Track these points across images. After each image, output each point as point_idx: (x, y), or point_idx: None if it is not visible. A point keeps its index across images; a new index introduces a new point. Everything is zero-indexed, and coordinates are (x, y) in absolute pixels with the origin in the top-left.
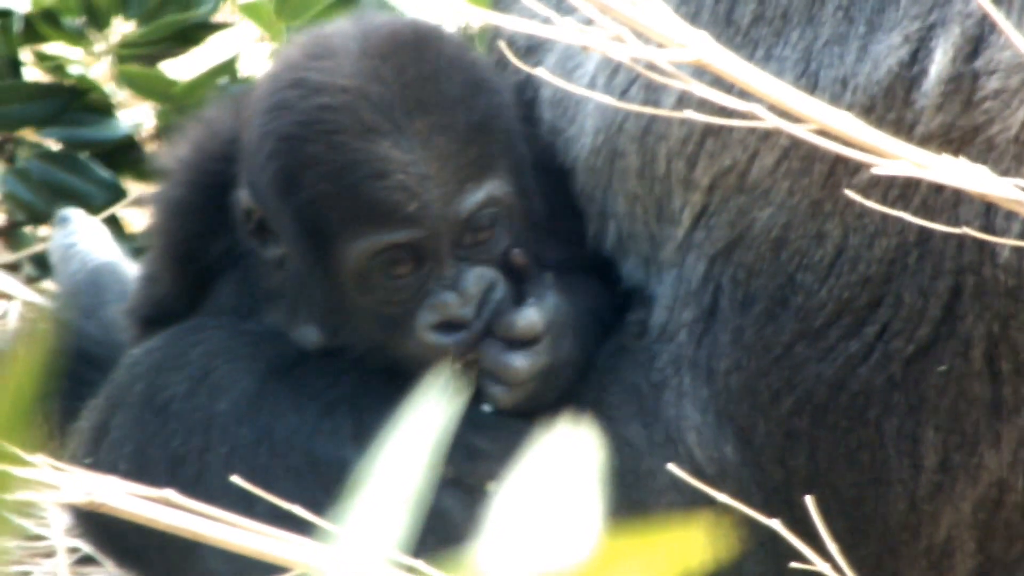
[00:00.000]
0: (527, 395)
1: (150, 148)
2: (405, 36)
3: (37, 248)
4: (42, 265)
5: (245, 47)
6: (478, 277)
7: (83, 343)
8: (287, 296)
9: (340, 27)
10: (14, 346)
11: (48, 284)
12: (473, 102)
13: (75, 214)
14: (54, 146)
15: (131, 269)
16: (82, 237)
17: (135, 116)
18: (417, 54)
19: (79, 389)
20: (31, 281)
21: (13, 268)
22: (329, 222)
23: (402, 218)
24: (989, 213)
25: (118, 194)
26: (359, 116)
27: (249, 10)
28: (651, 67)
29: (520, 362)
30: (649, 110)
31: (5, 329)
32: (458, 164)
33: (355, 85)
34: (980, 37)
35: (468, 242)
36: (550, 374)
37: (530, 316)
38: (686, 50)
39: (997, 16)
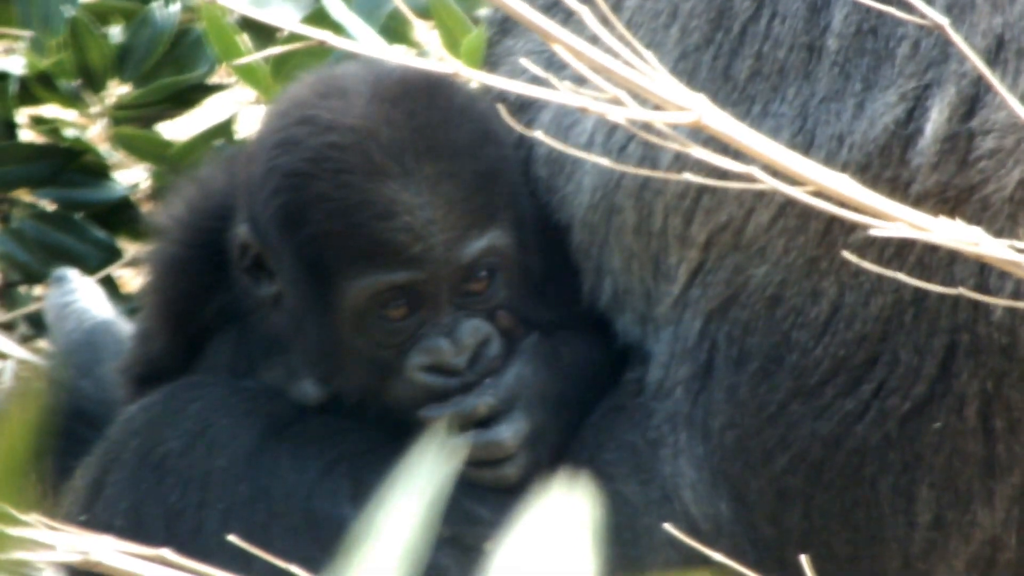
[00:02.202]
0: (517, 467)
1: (145, 209)
2: (417, 81)
3: (32, 308)
4: (37, 324)
5: (241, 109)
6: (474, 329)
7: (79, 402)
8: (283, 345)
9: (350, 69)
10: (8, 405)
11: (43, 343)
12: (481, 151)
13: (71, 274)
14: (49, 207)
15: (126, 328)
16: (78, 296)
17: (130, 177)
18: (428, 100)
19: (74, 448)
20: (26, 340)
21: (8, 327)
22: (331, 260)
23: (405, 260)
24: (984, 272)
25: (113, 255)
26: (368, 156)
27: (244, 72)
28: (649, 129)
29: (504, 434)
30: (645, 172)
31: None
32: (463, 211)
33: (365, 126)
34: (976, 97)
35: (466, 290)
36: (532, 442)
37: (501, 435)
38: (684, 113)
39: (992, 78)
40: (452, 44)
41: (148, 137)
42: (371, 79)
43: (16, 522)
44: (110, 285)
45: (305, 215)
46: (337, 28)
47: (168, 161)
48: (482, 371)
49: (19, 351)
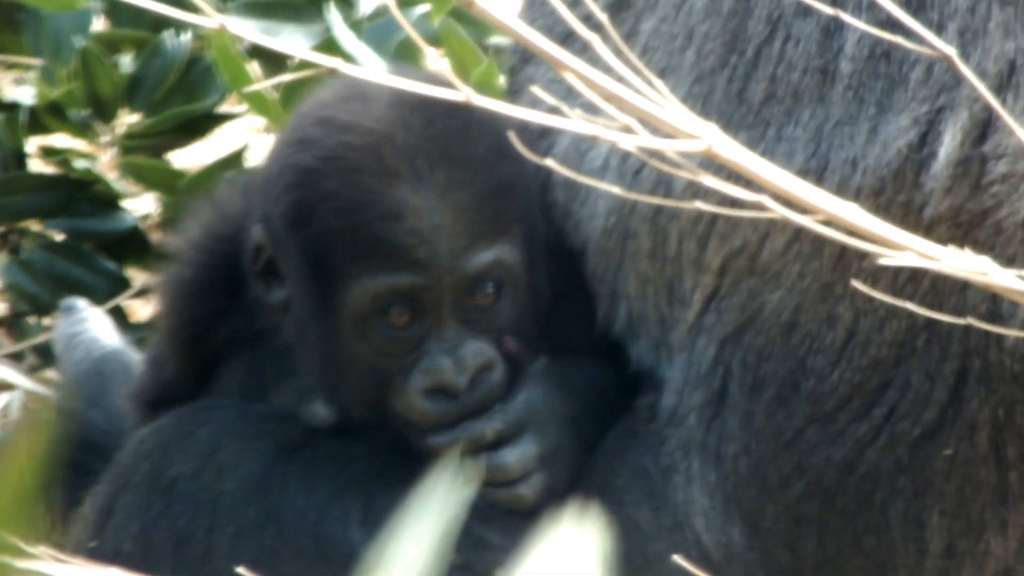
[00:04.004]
0: (532, 489)
1: (155, 239)
2: (437, 83)
3: (40, 338)
4: (45, 355)
5: (251, 138)
6: (477, 351)
7: (87, 432)
8: (294, 368)
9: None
10: (16, 436)
11: (51, 374)
12: (496, 165)
13: (79, 303)
14: (58, 237)
15: (135, 358)
16: (86, 326)
17: (140, 207)
18: (448, 109)
19: (83, 479)
20: (34, 371)
21: (16, 358)
22: (336, 258)
23: (409, 262)
24: (996, 298)
25: (122, 286)
26: (381, 158)
27: (253, 100)
28: (660, 157)
29: (509, 457)
30: (657, 200)
31: (8, 420)
32: (472, 221)
33: (381, 128)
34: (988, 121)
35: (471, 304)
36: (545, 463)
37: (505, 459)
38: (695, 141)
39: (998, 106)
40: (463, 72)
41: (158, 167)
42: (392, 87)
43: (23, 554)
44: (119, 315)
45: (313, 212)
46: (347, 58)
47: (179, 192)
48: (481, 397)
49: (27, 382)
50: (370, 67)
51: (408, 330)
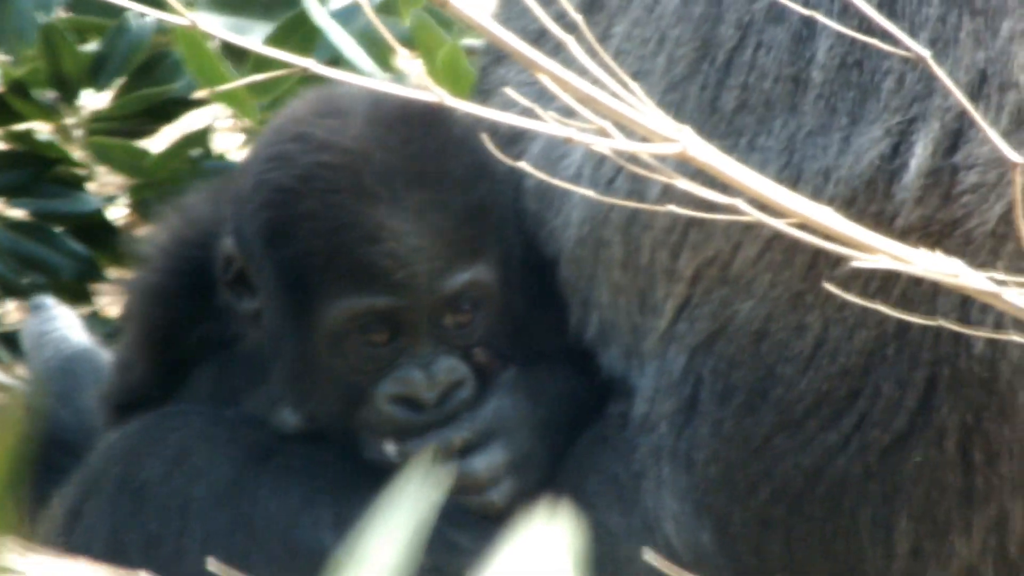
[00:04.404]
0: (501, 495)
1: (121, 224)
2: (416, 108)
3: (5, 328)
4: (13, 345)
5: (216, 121)
6: (450, 369)
7: (56, 430)
8: (264, 374)
9: (352, 90)
10: None
11: (20, 370)
12: (474, 185)
13: (48, 302)
14: (24, 218)
15: (105, 356)
16: (56, 324)
17: (106, 190)
18: (425, 128)
19: (52, 476)
20: (1, 365)
21: None
22: (313, 279)
23: (387, 285)
24: (966, 305)
25: (88, 267)
26: (359, 179)
27: (227, 97)
28: (635, 160)
29: (478, 465)
30: (632, 204)
31: None
32: (450, 242)
33: (359, 148)
34: (959, 132)
35: (447, 323)
36: (514, 470)
37: (473, 466)
38: (670, 144)
39: (972, 110)
40: (436, 72)
41: (124, 147)
42: (370, 101)
43: None
44: (85, 299)
45: (290, 232)
46: (317, 36)
47: (144, 172)
48: (449, 412)
49: None
50: (340, 42)
51: (382, 348)
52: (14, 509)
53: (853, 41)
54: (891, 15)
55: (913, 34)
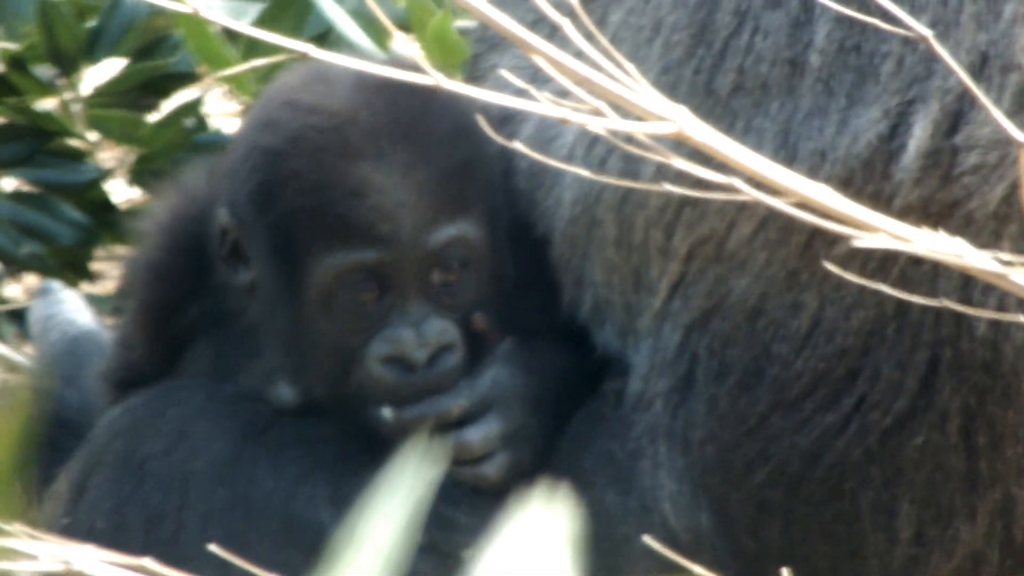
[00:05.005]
0: (496, 468)
1: (120, 201)
2: (404, 66)
3: (10, 307)
4: (21, 322)
5: (211, 93)
6: (441, 329)
7: (62, 411)
8: (262, 349)
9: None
10: None
11: (27, 350)
12: (458, 144)
13: (55, 285)
14: (23, 187)
15: (111, 339)
16: (62, 308)
17: (106, 162)
18: (411, 90)
19: (58, 457)
20: (7, 343)
21: None
22: (300, 238)
23: (372, 238)
24: (967, 287)
25: (87, 234)
26: (344, 138)
27: (232, 80)
28: (630, 140)
29: (472, 435)
30: (627, 183)
31: None
32: (434, 197)
33: (345, 109)
34: (959, 113)
35: (435, 281)
36: (509, 443)
37: (469, 437)
38: (665, 124)
39: (977, 92)
40: (427, 45)
41: (121, 117)
42: (356, 69)
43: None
44: (83, 269)
45: (278, 192)
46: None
47: (141, 142)
48: (439, 376)
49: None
50: (334, 16)
51: (373, 307)
52: (21, 491)
53: (852, 25)
54: None
55: (914, 16)
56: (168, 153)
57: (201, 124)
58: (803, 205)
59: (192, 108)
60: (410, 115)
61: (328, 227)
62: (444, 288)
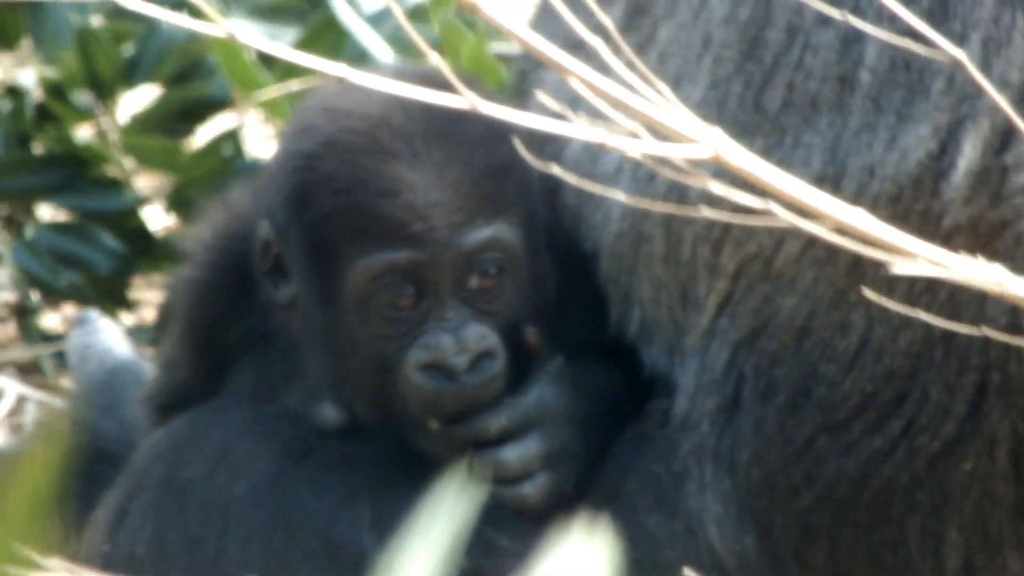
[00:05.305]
0: (536, 489)
1: (158, 228)
2: (439, 79)
3: (55, 346)
4: (59, 358)
5: (249, 121)
6: (480, 335)
7: (100, 442)
8: (304, 370)
9: (378, 69)
10: (31, 447)
11: (65, 381)
12: (493, 146)
13: (93, 315)
14: (62, 216)
15: (148, 369)
16: (100, 337)
17: (143, 189)
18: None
19: (96, 489)
20: (48, 378)
21: (30, 365)
22: (335, 239)
23: (406, 238)
24: (1016, 310)
25: (125, 263)
26: (378, 139)
27: (267, 105)
28: (667, 163)
29: (510, 454)
30: (663, 206)
31: (21, 429)
32: (469, 197)
33: (380, 112)
34: (1009, 131)
35: (472, 285)
36: (550, 464)
37: (506, 455)
38: (701, 147)
39: (1011, 113)
40: (462, 70)
41: (159, 145)
42: (394, 74)
43: (37, 566)
44: (120, 298)
45: (312, 195)
46: (347, 39)
47: (179, 169)
48: (480, 385)
49: (37, 393)
50: (369, 44)
51: (409, 311)
52: (58, 523)
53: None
54: (944, 16)
55: (965, 35)
56: (206, 181)
57: (239, 152)
58: (840, 229)
59: (231, 136)
60: (445, 118)
61: (362, 227)
62: (482, 293)
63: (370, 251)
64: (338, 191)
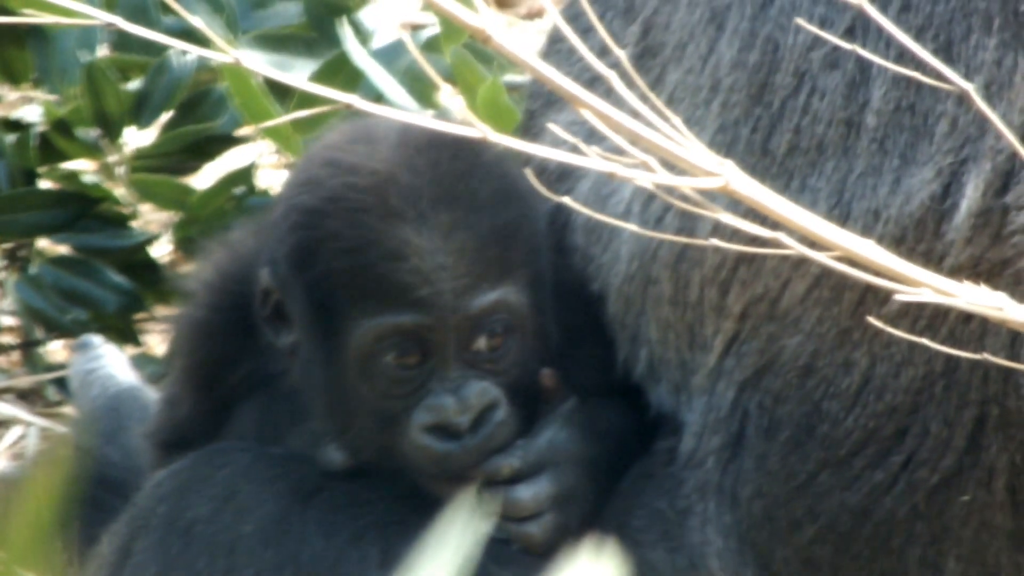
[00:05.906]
0: (542, 529)
1: (165, 263)
2: (445, 134)
3: (58, 373)
4: (62, 385)
5: (261, 158)
6: (481, 391)
7: (104, 468)
8: (309, 411)
9: (384, 119)
10: (34, 473)
11: (68, 408)
12: (502, 207)
13: (95, 340)
14: (67, 253)
15: (151, 395)
16: (102, 363)
17: (150, 227)
18: (455, 152)
19: (99, 515)
20: (51, 405)
21: (32, 392)
22: (339, 299)
23: (411, 302)
24: (1015, 345)
25: (132, 301)
26: (385, 199)
27: (274, 134)
28: (679, 195)
29: (523, 494)
30: (674, 238)
31: (24, 455)
32: (476, 261)
33: (386, 170)
34: (1011, 172)
35: (477, 347)
36: (559, 505)
37: (519, 495)
38: (713, 179)
39: (1017, 144)
40: (477, 108)
41: (168, 184)
42: (400, 128)
43: None
44: (128, 334)
45: (316, 252)
46: (358, 76)
47: (188, 209)
48: (486, 438)
49: (39, 420)
50: (382, 83)
51: (412, 371)
52: (62, 549)
53: (908, 86)
54: (948, 59)
55: (969, 78)
56: (216, 219)
57: (251, 188)
58: (848, 260)
59: (244, 175)
60: (453, 176)
61: (366, 289)
62: (488, 354)
63: (375, 313)
64: (343, 251)
